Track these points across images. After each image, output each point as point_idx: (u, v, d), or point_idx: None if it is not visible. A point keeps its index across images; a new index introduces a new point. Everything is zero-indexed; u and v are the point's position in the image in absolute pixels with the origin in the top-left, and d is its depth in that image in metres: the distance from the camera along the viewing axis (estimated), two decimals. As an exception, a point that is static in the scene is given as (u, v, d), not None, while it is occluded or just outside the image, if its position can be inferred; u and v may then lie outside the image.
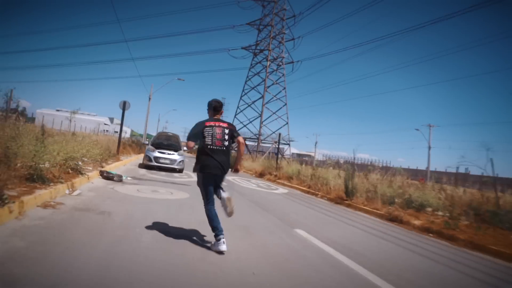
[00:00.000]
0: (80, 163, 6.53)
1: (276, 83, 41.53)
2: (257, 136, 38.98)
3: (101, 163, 8.55)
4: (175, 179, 9.62)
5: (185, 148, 12.75)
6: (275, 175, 16.17)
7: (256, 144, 41.82)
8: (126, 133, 52.91)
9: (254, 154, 36.14)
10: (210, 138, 3.42)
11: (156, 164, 11.33)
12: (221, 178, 3.58)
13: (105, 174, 7.15)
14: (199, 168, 3.44)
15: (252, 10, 49.33)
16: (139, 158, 17.81)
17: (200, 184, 3.52)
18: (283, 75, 41.73)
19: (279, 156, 35.90)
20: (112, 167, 9.18)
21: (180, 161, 11.78)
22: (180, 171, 12.10)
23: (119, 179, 7.23)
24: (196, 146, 3.54)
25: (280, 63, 41.69)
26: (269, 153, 39.32)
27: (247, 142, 42.82)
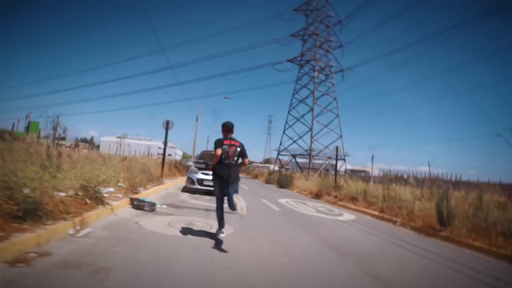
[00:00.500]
0: (103, 189, 5.43)
1: (326, 94, 39.29)
2: (308, 152, 36.64)
3: (136, 188, 7.49)
4: (214, 204, 8.19)
5: None
6: (335, 196, 13.89)
7: (307, 161, 39.42)
8: (177, 155, 54.83)
9: (306, 171, 33.73)
10: (225, 154, 4.32)
11: (199, 187, 10.11)
12: (228, 183, 4.38)
13: (135, 203, 5.97)
14: (215, 176, 4.48)
15: (295, 21, 48.60)
16: (185, 181, 17.10)
17: (216, 187, 4.52)
18: (333, 85, 39.40)
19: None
20: (150, 193, 8.12)
21: (225, 183, 10.38)
22: (226, 194, 10.70)
23: (151, 208, 5.99)
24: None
25: (329, 73, 39.52)
26: (326, 170, 36.54)
27: (298, 159, 40.68)
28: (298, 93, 41.21)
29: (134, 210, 5.82)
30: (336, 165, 15.26)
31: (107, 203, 5.15)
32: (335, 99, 39.22)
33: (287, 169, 41.78)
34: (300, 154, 39.87)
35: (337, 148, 15.42)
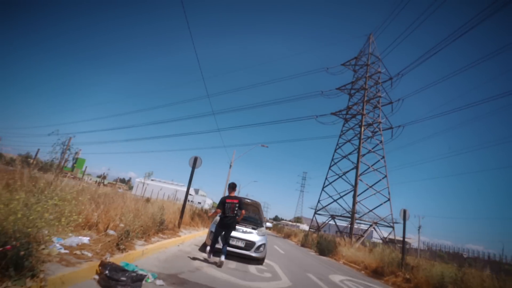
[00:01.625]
0: (61, 240, 2.94)
1: (372, 151, 35.65)
2: (350, 213, 32.01)
3: (131, 240, 4.91)
4: (248, 282, 5.20)
5: (268, 224, 8.49)
6: (406, 279, 9.98)
7: (347, 224, 34.42)
8: (207, 204, 52.24)
9: (346, 235, 28.82)
10: (227, 210, 6.26)
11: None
12: (228, 230, 6.29)
13: (107, 273, 3.32)
14: (218, 224, 6.41)
15: (342, 74, 47.80)
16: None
17: (218, 231, 6.32)
18: (381, 142, 35.86)
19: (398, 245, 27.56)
20: (151, 250, 5.44)
21: (260, 245, 7.43)
22: (259, 260, 7.64)
23: (133, 287, 3.27)
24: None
25: (377, 129, 36.37)
26: (381, 238, 31.24)
27: (337, 221, 35.84)
28: (341, 148, 38.18)
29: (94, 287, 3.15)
30: (404, 234, 11.51)
31: (39, 273, 2.58)
32: (383, 157, 35.33)
33: (324, 231, 36.82)
34: (341, 216, 35.10)
35: (405, 211, 11.82)
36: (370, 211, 33.84)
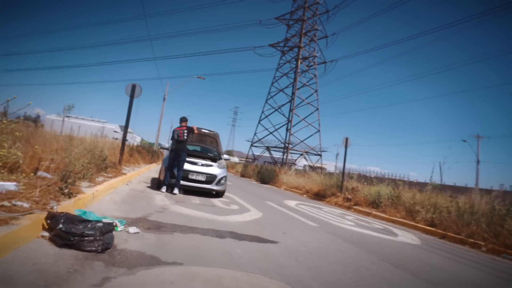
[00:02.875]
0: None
1: (307, 85, 36.85)
2: (287, 144, 34.02)
3: (74, 182, 3.83)
4: (224, 216, 4.81)
5: (226, 156, 7.99)
6: (347, 199, 11.15)
7: (282, 155, 36.85)
8: (136, 141, 48.76)
9: (280, 165, 31.01)
10: (177, 136, 6.63)
11: (182, 183, 6.56)
12: (180, 155, 6.52)
13: (60, 228, 2.37)
14: (171, 149, 6.70)
15: (281, 2, 45.36)
16: (151, 170, 13.14)
17: (171, 157, 6.57)
18: (315, 76, 37.07)
19: (291, 166, 30.66)
20: (101, 191, 4.43)
21: (221, 178, 6.98)
22: (219, 194, 7.29)
23: (104, 241, 2.43)
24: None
25: (312, 63, 37.08)
26: (310, 166, 34.24)
27: (273, 151, 37.97)
28: (277, 82, 38.37)
29: (53, 250, 2.24)
30: (344, 160, 12.53)
31: None
32: (316, 91, 37.00)
33: (251, 162, 38.86)
34: (275, 147, 37.16)
35: (346, 139, 12.66)
36: (302, 141, 36.52)
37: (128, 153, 11.09)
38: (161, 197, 5.70)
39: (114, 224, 2.91)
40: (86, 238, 2.36)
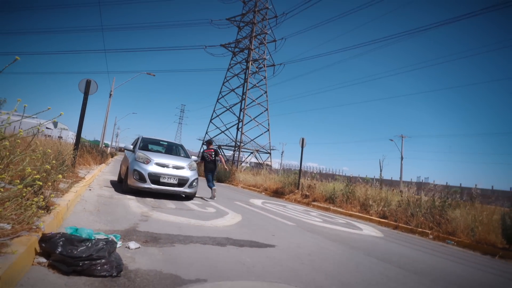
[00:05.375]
0: None
1: (257, 86, 37.43)
2: (239, 143, 34.12)
3: (41, 193, 3.32)
4: (208, 221, 4.67)
5: (194, 158, 7.74)
6: (305, 195, 11.70)
7: (233, 153, 36.89)
8: (70, 138, 43.69)
9: (231, 163, 31.06)
10: (207, 157, 8.37)
11: (153, 186, 6.14)
12: (212, 172, 8.44)
13: (60, 251, 2.03)
14: (204, 169, 8.44)
15: (232, 4, 45.15)
16: (104, 171, 11.96)
17: (208, 174, 8.36)
18: (265, 78, 37.83)
19: (239, 164, 31.35)
20: (72, 202, 3.91)
21: (193, 180, 6.73)
22: (189, 196, 7.01)
23: (116, 263, 2.17)
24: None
25: (262, 65, 37.74)
26: (260, 163, 34.58)
27: (225, 150, 37.74)
28: (229, 82, 38.15)
29: (61, 280, 1.92)
30: (301, 159, 13.09)
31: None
32: (265, 92, 37.79)
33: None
34: (227, 145, 37.03)
35: (303, 139, 13.25)
36: (252, 140, 37.03)
37: (78, 154, 9.92)
38: (134, 202, 5.25)
39: (113, 240, 2.61)
40: (97, 261, 2.07)
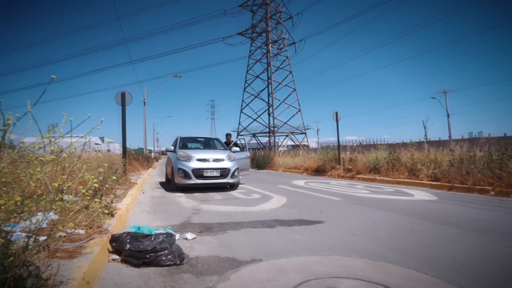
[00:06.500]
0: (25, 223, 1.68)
1: (281, 68, 36.75)
2: (272, 128, 34.13)
3: (103, 199, 3.65)
4: (254, 207, 4.82)
5: (235, 148, 7.94)
6: (348, 169, 11.45)
7: (269, 139, 37.00)
8: (118, 150, 47.13)
9: (268, 149, 31.23)
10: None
11: (198, 181, 6.47)
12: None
13: (129, 248, 2.27)
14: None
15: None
16: (152, 175, 12.83)
17: None
18: (287, 58, 36.96)
19: (277, 148, 31.09)
20: (130, 205, 4.29)
21: (235, 170, 6.94)
22: (233, 186, 7.25)
23: (178, 252, 2.37)
24: None
25: (282, 45, 36.87)
26: (297, 144, 34.44)
27: (260, 137, 38.01)
28: (252, 69, 37.94)
29: (134, 272, 2.16)
30: (338, 133, 12.75)
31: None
32: (290, 72, 36.99)
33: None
34: (261, 132, 37.23)
35: (336, 113, 12.87)
36: (285, 123, 36.76)
37: (127, 161, 10.74)
38: (183, 199, 5.60)
39: (171, 233, 2.84)
40: (161, 253, 2.28)
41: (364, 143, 42.51)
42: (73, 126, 2.92)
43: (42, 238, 2.23)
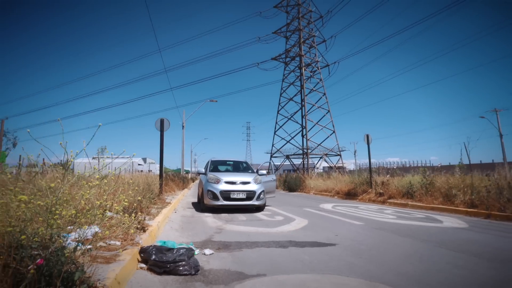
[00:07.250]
0: (75, 234, 2.19)
1: (314, 90, 37.07)
2: (305, 150, 34.06)
3: (138, 217, 4.20)
4: (276, 228, 5.07)
5: (262, 171, 8.30)
6: (379, 194, 11.15)
7: (302, 161, 36.81)
8: (157, 170, 50.11)
9: (303, 171, 30.93)
10: None
11: (225, 203, 6.90)
12: None
13: (154, 258, 2.71)
14: None
15: (277, 17, 46.43)
16: (186, 195, 13.61)
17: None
18: (321, 80, 37.29)
19: (312, 170, 30.44)
20: (161, 222, 4.81)
21: (261, 192, 7.27)
22: (259, 208, 7.55)
23: (190, 266, 2.75)
24: None
25: (315, 68, 37.42)
26: (331, 167, 33.86)
27: (293, 159, 37.98)
28: (286, 92, 38.79)
29: (156, 278, 2.57)
30: (369, 156, 12.56)
31: None
32: (324, 94, 37.11)
33: (278, 173, 38.93)
34: (294, 154, 37.23)
35: (367, 136, 12.75)
36: (319, 145, 36.41)
37: (164, 182, 11.59)
38: (211, 219, 6.03)
39: (191, 248, 3.24)
40: (179, 263, 2.68)
41: (407, 165, 40.31)
42: (117, 149, 3.57)
43: (87, 246, 2.76)
